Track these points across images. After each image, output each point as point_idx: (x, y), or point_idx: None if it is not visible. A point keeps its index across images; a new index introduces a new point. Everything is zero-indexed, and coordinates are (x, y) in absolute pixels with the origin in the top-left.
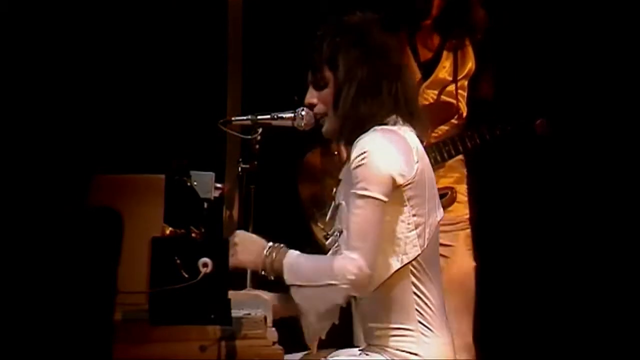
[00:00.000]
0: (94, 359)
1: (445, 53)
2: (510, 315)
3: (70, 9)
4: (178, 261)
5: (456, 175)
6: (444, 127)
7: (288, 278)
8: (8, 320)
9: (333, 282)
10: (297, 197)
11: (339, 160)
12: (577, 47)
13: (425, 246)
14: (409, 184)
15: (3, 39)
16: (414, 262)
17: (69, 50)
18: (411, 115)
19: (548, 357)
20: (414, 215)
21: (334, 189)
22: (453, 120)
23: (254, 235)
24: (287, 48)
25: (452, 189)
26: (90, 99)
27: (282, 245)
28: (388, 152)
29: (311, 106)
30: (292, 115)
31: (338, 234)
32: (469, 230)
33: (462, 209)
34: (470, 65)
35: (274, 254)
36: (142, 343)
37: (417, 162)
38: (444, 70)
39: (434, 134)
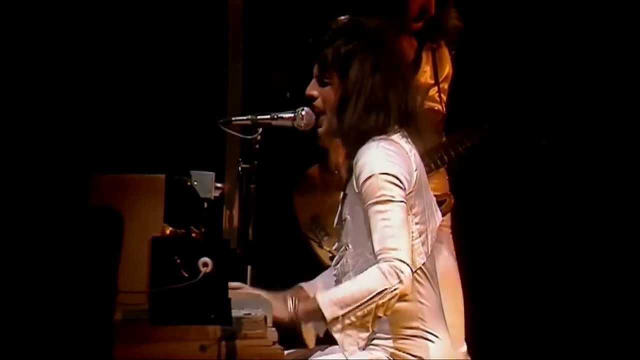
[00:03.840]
0: (95, 359)
1: (424, 57)
2: (502, 314)
3: (71, 9)
4: (178, 261)
5: (439, 177)
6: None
7: (328, 312)
8: (8, 320)
9: (385, 287)
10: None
11: (339, 179)
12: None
13: (429, 253)
14: (411, 192)
15: (3, 39)
16: (417, 270)
17: (70, 50)
18: (414, 126)
19: (538, 356)
20: (416, 224)
21: (339, 205)
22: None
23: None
24: (287, 48)
25: (449, 195)
26: (90, 100)
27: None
28: (394, 162)
29: (311, 98)
30: (292, 115)
31: (345, 249)
32: (449, 229)
33: None
34: (448, 69)
35: (299, 303)
36: (142, 343)
37: (416, 169)
38: (425, 74)
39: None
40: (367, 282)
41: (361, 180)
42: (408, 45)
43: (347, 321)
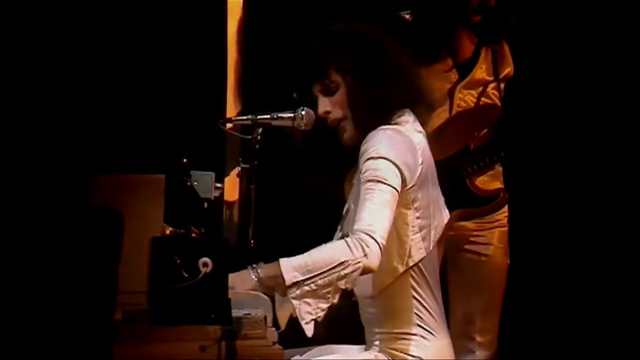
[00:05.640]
0: (95, 359)
1: (483, 53)
2: (531, 313)
3: (71, 9)
4: (178, 261)
5: (492, 173)
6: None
7: (289, 276)
8: (8, 320)
9: (348, 259)
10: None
11: None
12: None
13: (430, 249)
14: (413, 185)
15: (3, 39)
16: (414, 267)
17: (69, 50)
18: (423, 107)
19: (568, 356)
20: (417, 218)
21: (348, 193)
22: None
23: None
24: (287, 48)
25: (502, 190)
26: (90, 99)
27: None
28: (397, 151)
29: (326, 115)
30: (292, 115)
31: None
32: (505, 228)
33: None
34: (508, 69)
35: (260, 266)
36: (142, 343)
37: (422, 163)
38: (481, 70)
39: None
40: (331, 252)
41: (362, 161)
42: (468, 41)
43: (307, 288)
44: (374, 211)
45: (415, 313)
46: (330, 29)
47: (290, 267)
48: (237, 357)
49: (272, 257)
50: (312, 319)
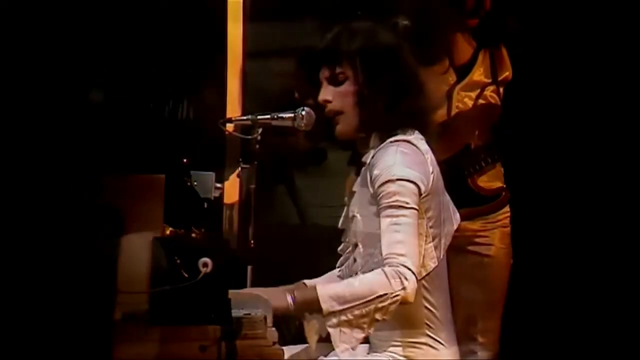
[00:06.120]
0: (94, 359)
1: (481, 57)
2: (533, 313)
3: (71, 8)
4: (178, 261)
5: (493, 171)
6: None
7: (326, 305)
8: (7, 319)
9: (386, 292)
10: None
11: None
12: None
13: (441, 257)
14: (427, 195)
15: (3, 39)
16: (426, 276)
17: (70, 50)
18: (428, 128)
19: (570, 357)
20: (430, 227)
21: (347, 204)
22: None
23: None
24: (287, 47)
25: (504, 189)
26: (90, 99)
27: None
28: (411, 167)
29: (326, 103)
30: (292, 115)
31: (352, 249)
32: (507, 229)
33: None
34: (507, 73)
35: (297, 288)
36: (142, 343)
37: (432, 172)
38: (479, 72)
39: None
40: (370, 283)
41: (377, 184)
42: (466, 44)
43: (344, 317)
44: (403, 239)
45: (426, 323)
46: (356, 22)
47: (328, 296)
48: (237, 357)
49: (272, 257)
50: (347, 348)
